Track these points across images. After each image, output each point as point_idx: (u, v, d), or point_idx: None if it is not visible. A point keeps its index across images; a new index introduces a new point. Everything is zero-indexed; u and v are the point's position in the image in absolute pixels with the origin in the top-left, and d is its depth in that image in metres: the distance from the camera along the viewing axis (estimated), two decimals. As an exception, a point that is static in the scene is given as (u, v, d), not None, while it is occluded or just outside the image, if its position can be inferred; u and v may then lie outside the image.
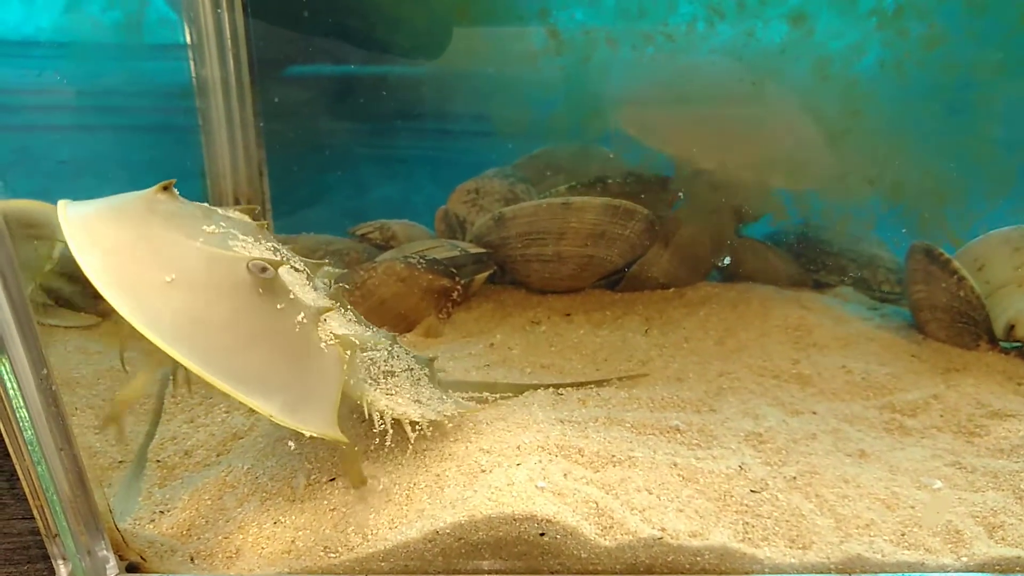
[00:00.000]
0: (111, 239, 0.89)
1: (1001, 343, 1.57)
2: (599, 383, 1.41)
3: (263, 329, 0.95)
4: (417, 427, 1.10)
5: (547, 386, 1.38)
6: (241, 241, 0.99)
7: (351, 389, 1.05)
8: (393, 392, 1.12)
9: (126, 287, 0.87)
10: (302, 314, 0.99)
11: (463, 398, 1.30)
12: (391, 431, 1.07)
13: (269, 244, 1.04)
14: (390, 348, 1.18)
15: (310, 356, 0.98)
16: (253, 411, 1.27)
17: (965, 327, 1.57)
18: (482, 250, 1.81)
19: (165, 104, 2.02)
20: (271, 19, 1.91)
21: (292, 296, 0.99)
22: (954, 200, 1.57)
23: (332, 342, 1.01)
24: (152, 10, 1.91)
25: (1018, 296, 1.54)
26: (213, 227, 0.97)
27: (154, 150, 2.01)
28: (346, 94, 2.05)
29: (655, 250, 1.81)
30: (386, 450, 1.16)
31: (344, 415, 1.05)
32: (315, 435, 0.96)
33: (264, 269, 0.94)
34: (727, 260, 1.85)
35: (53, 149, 1.68)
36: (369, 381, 1.09)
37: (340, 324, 1.07)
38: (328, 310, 1.02)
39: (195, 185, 1.95)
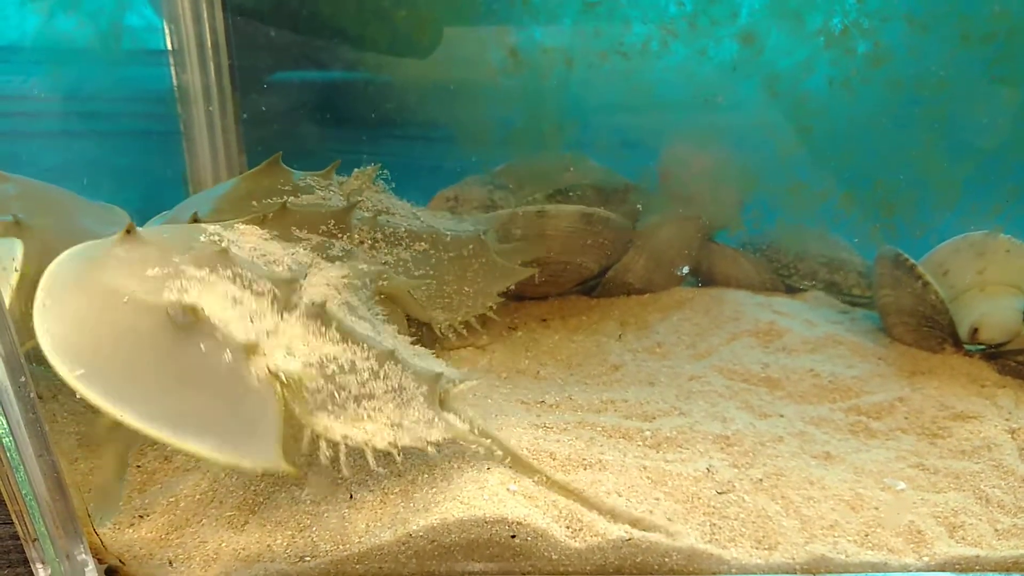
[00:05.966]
0: (72, 311, 0.93)
1: (965, 346, 1.60)
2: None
3: (188, 371, 0.95)
4: (383, 454, 1.05)
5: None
6: (189, 280, 0.98)
7: (300, 418, 1.01)
8: (364, 417, 1.06)
9: (65, 351, 0.90)
10: (227, 352, 0.97)
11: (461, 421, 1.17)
12: (343, 459, 1.02)
13: (228, 272, 1.02)
14: (376, 369, 1.11)
15: (243, 392, 0.97)
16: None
17: (930, 331, 1.60)
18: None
19: (148, 110, 2.03)
20: (254, 22, 1.93)
21: (219, 336, 0.98)
22: (904, 211, 1.61)
23: (264, 378, 0.99)
24: (135, 16, 1.91)
25: (981, 300, 1.58)
26: (156, 270, 0.97)
27: (138, 156, 2.02)
28: (327, 100, 2.07)
29: (631, 255, 1.83)
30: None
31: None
32: (259, 470, 0.96)
33: (184, 314, 0.95)
34: (685, 270, 1.88)
35: (39, 155, 1.69)
36: (330, 408, 1.04)
37: (284, 356, 1.02)
38: (253, 346, 0.99)
39: (178, 192, 1.96)
